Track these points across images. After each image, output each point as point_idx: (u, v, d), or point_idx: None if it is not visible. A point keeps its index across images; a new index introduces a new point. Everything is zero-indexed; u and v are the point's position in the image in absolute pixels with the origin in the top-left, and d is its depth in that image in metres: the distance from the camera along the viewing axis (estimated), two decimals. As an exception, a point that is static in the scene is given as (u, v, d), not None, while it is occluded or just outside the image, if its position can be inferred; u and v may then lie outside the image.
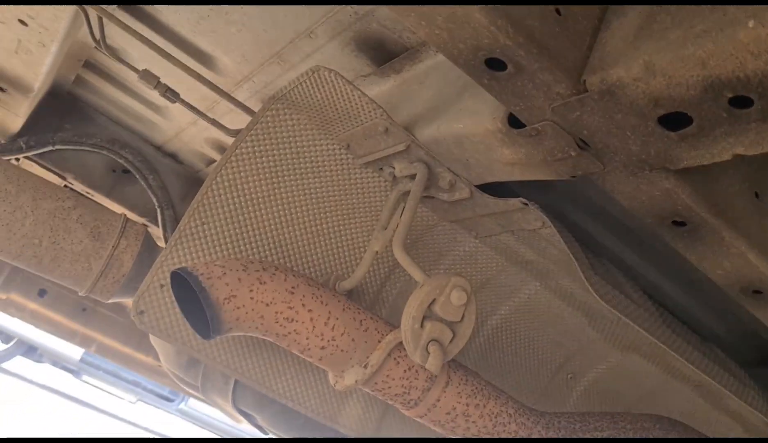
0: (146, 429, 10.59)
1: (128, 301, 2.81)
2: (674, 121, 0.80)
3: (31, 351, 8.99)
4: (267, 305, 1.03)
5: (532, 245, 1.38)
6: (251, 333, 1.06)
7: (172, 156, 2.30)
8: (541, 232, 1.29)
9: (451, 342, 1.04)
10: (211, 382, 1.74)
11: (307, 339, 1.06)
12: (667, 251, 1.58)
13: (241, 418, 1.99)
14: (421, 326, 1.02)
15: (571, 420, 1.31)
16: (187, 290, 1.10)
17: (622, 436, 1.32)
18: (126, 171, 2.26)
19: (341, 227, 1.35)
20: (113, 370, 9.36)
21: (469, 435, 1.21)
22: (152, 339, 1.97)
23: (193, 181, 2.33)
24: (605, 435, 1.31)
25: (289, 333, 1.06)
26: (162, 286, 1.26)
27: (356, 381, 1.10)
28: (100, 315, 2.86)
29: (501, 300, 1.53)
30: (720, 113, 0.75)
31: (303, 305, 1.06)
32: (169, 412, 10.03)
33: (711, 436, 1.52)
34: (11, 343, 8.83)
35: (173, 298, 1.24)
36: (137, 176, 2.22)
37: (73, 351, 8.61)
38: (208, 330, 1.03)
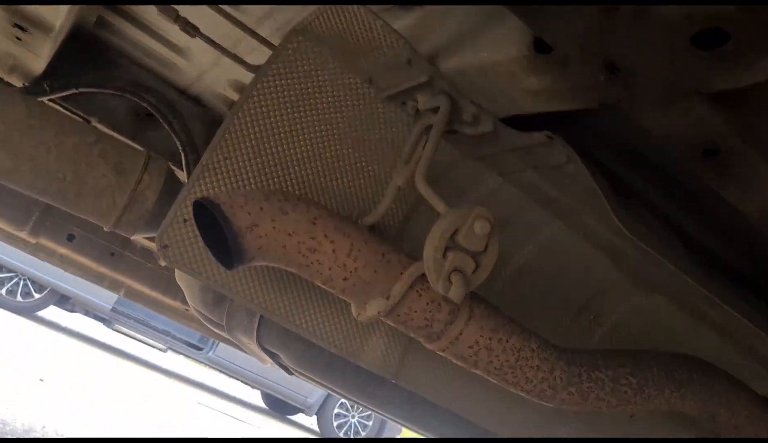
0: (177, 376, 10.89)
1: (152, 243, 2.84)
2: (710, 39, 0.77)
3: (63, 300, 9.25)
4: (289, 235, 1.03)
5: (556, 182, 1.35)
6: (274, 263, 1.06)
7: (195, 100, 2.29)
8: (565, 168, 1.27)
9: (474, 272, 1.03)
10: (236, 320, 1.76)
11: (330, 269, 1.06)
12: (695, 188, 1.54)
13: (267, 358, 2.01)
14: (444, 256, 1.01)
15: (593, 356, 1.31)
16: (210, 223, 1.11)
17: (646, 373, 1.31)
18: (149, 114, 2.26)
19: (363, 163, 1.34)
20: (144, 319, 9.61)
21: (491, 369, 1.22)
22: (177, 277, 2.00)
23: (215, 124, 2.33)
24: (628, 371, 1.31)
25: (312, 263, 1.06)
26: (185, 221, 1.27)
27: (378, 313, 1.10)
28: (127, 260, 2.90)
29: (523, 240, 1.51)
30: (760, 27, 0.72)
31: (325, 236, 1.05)
32: (198, 360, 10.30)
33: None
34: (44, 293, 9.08)
35: (196, 231, 1.25)
36: (161, 120, 2.22)
37: (105, 301, 8.84)
38: (231, 261, 1.04)
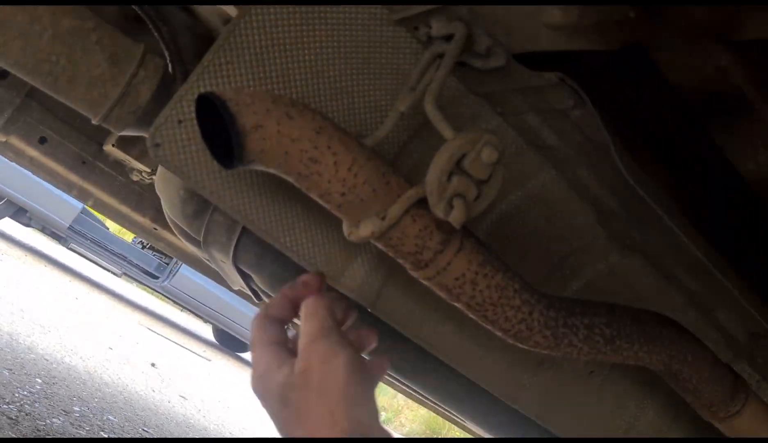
0: (130, 302, 10.81)
1: (125, 156, 2.76)
2: (748, -16, 0.77)
3: (20, 213, 9.02)
4: (293, 141, 1.01)
5: (558, 128, 1.35)
6: (273, 169, 1.04)
7: (188, 10, 2.21)
8: (570, 114, 1.27)
9: (475, 200, 1.03)
10: (214, 236, 1.74)
11: (329, 182, 1.05)
12: (695, 146, 1.56)
13: (239, 279, 2.00)
14: (448, 179, 1.00)
15: (572, 303, 1.33)
16: (207, 124, 1.08)
17: (619, 324, 1.34)
18: (139, 20, 2.18)
19: (367, 86, 1.31)
20: (101, 241, 9.46)
21: (473, 304, 1.23)
22: (157, 186, 1.95)
23: (207, 39, 2.26)
24: (603, 321, 1.34)
25: (312, 174, 1.04)
26: (180, 122, 1.23)
27: (372, 233, 1.09)
28: (99, 170, 2.83)
29: (515, 185, 1.52)
30: (801, -24, 0.71)
31: (328, 147, 1.04)
32: (153, 289, 10.22)
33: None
34: (1, 203, 8.83)
35: (190, 133, 1.21)
36: (150, 26, 2.14)
37: (63, 218, 8.67)
38: (231, 161, 1.01)
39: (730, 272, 1.39)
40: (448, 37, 1.20)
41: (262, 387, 0.90)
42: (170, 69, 2.13)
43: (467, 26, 1.15)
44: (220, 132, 1.04)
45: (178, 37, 2.23)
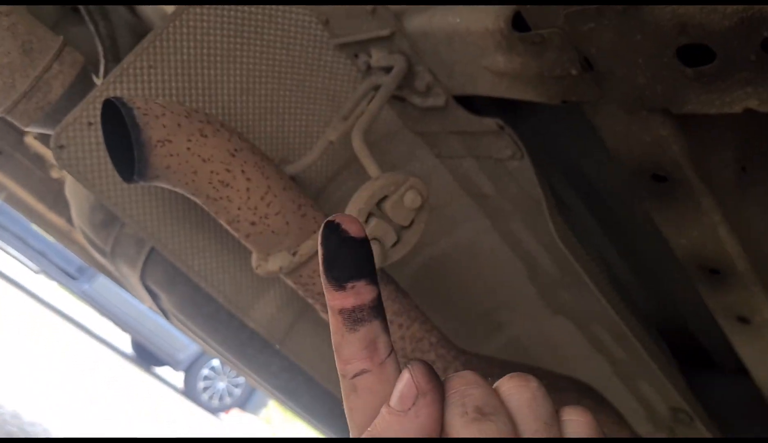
0: (44, 303, 10.28)
1: (47, 150, 2.59)
2: (694, 55, 0.73)
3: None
4: (204, 161, 0.92)
5: (494, 178, 1.30)
6: (179, 188, 0.95)
7: (130, 7, 2.10)
8: (507, 164, 1.22)
9: (393, 246, 0.96)
10: (123, 248, 1.61)
11: (239, 209, 0.96)
12: (627, 222, 1.54)
13: (146, 296, 1.87)
14: (366, 221, 0.93)
15: (491, 363, 1.27)
16: (115, 130, 0.98)
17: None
18: (76, 10, 2.05)
19: (299, 109, 1.24)
20: (21, 234, 8.99)
21: (385, 354, 1.15)
22: (67, 190, 1.82)
23: (146, 40, 2.15)
24: (520, 385, 1.28)
25: (221, 198, 0.95)
26: (90, 124, 1.13)
27: (281, 268, 1.01)
28: (16, 162, 2.64)
29: (445, 231, 1.46)
30: (748, 54, 0.68)
31: (242, 171, 0.95)
32: (70, 290, 9.75)
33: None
34: None
35: (100, 137, 1.11)
36: (86, 18, 2.01)
37: (-18, 206, 8.21)
38: (132, 174, 0.91)
39: (653, 345, 1.36)
40: (388, 69, 1.14)
41: None
42: (102, 67, 2.01)
43: (408, 60, 1.09)
44: (125, 139, 0.95)
45: (116, 34, 2.11)
